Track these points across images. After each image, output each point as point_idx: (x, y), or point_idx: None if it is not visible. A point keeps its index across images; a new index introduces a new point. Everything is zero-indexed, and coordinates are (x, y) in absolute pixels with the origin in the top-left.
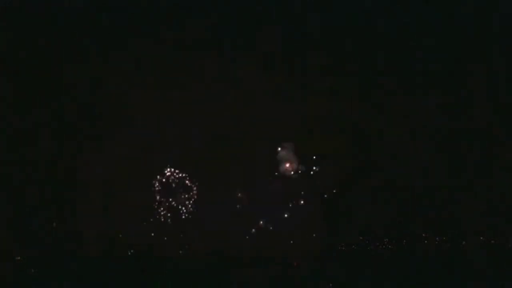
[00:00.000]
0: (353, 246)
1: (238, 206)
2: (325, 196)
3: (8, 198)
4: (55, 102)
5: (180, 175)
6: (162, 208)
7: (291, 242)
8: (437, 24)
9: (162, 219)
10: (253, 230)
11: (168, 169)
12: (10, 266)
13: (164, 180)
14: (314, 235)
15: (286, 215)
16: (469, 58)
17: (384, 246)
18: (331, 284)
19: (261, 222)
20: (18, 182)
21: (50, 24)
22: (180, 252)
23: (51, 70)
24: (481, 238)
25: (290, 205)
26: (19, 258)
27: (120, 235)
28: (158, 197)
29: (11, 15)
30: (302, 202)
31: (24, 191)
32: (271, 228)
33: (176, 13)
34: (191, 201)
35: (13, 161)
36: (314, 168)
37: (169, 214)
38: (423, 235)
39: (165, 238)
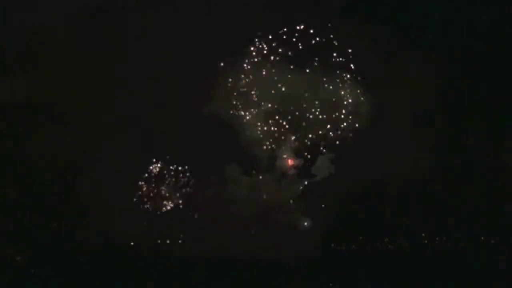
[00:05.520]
0: (353, 246)
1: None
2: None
3: (7, 198)
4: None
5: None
6: (162, 207)
7: (291, 241)
8: None
9: (162, 218)
10: (252, 229)
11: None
12: (10, 266)
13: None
14: (313, 235)
15: (286, 215)
16: None
17: (384, 246)
18: (331, 284)
19: (261, 222)
20: (17, 183)
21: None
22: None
23: None
24: (482, 238)
25: (291, 204)
26: (19, 258)
27: (120, 235)
28: (156, 195)
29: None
30: (302, 201)
31: (23, 190)
32: (270, 227)
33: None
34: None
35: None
36: (315, 167)
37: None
38: (423, 235)
39: (164, 238)
